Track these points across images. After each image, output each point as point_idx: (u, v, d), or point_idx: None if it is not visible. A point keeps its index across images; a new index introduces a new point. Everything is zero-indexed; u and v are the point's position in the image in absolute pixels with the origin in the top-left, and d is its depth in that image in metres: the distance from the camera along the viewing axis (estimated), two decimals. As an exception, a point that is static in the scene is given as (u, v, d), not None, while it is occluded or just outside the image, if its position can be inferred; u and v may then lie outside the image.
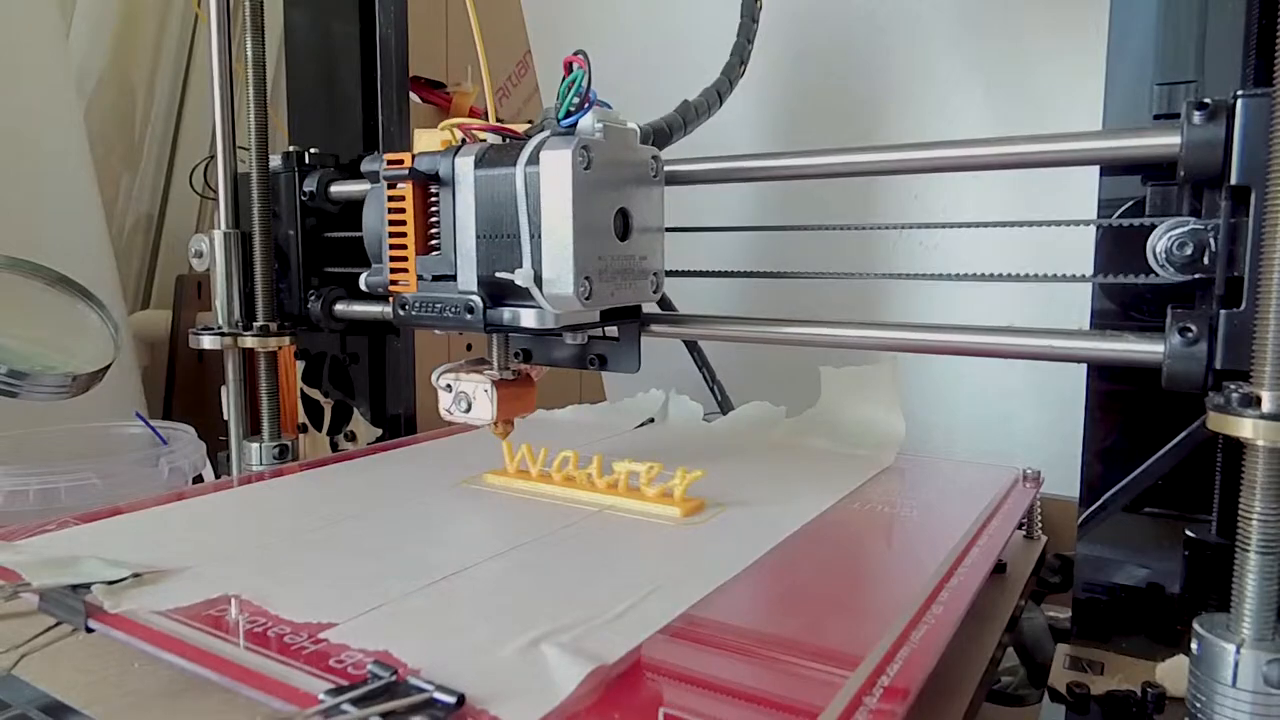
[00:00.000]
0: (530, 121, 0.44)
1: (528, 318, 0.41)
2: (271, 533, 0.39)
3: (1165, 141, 0.35)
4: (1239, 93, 0.32)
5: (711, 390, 0.74)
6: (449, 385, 0.47)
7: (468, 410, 0.47)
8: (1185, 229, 0.34)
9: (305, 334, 0.65)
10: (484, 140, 0.43)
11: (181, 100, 1.25)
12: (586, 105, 0.40)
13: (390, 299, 0.44)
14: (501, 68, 0.92)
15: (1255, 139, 0.32)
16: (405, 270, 0.43)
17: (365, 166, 0.46)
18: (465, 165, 0.41)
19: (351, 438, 0.71)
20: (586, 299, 0.40)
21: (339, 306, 0.63)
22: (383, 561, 0.36)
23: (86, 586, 0.31)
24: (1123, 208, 0.39)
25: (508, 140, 0.42)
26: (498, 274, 0.40)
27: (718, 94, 0.52)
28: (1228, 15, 0.36)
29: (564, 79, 0.40)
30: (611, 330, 0.48)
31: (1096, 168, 0.40)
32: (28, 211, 0.87)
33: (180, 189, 1.22)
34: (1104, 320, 0.40)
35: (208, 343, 0.60)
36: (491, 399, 0.46)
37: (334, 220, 0.64)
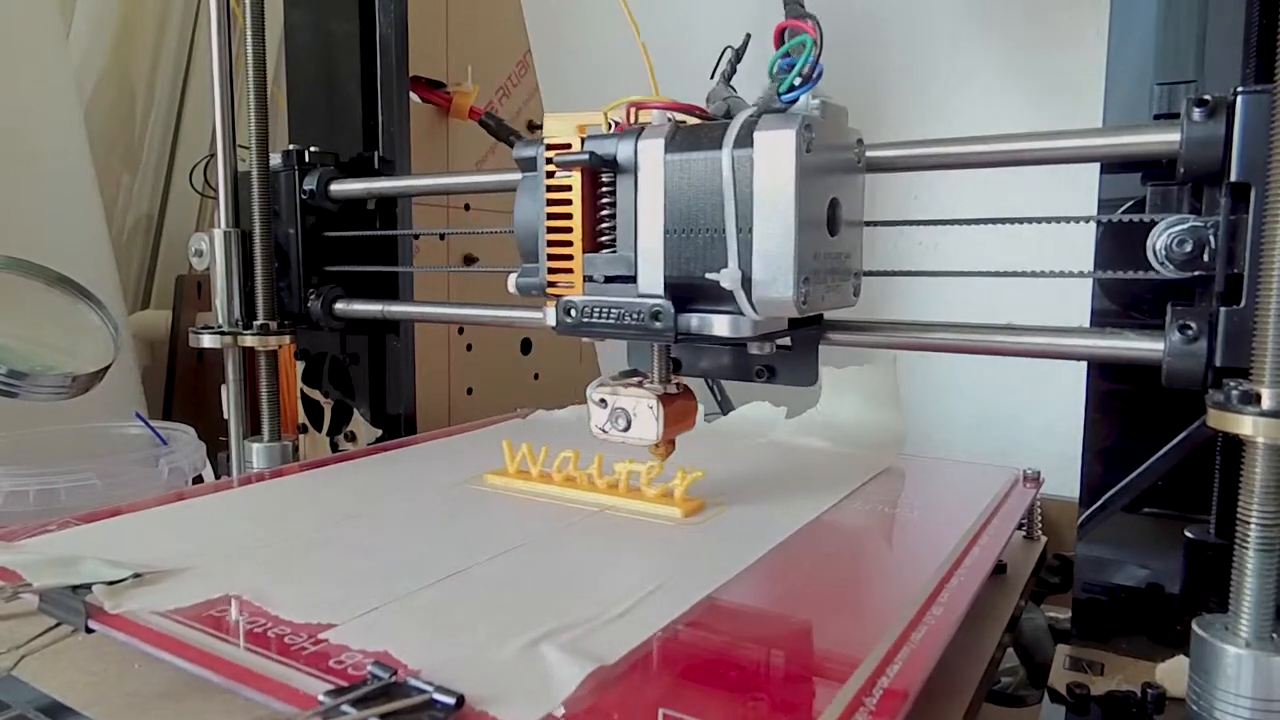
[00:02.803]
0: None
1: (720, 325, 0.36)
2: (271, 533, 0.39)
3: (1165, 138, 0.35)
4: (1239, 90, 0.32)
5: (711, 390, 0.74)
6: (604, 400, 0.42)
7: (626, 428, 0.41)
8: (1185, 226, 0.34)
9: (305, 333, 0.65)
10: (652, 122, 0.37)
11: (181, 100, 1.25)
12: (814, 79, 0.35)
13: (552, 304, 0.40)
14: (501, 67, 0.92)
15: (1255, 136, 0.32)
16: (570, 271, 0.39)
17: (518, 152, 0.40)
18: (652, 149, 0.36)
19: (351, 438, 0.71)
20: (804, 304, 0.35)
21: (339, 305, 0.63)
22: (383, 562, 0.36)
23: (87, 587, 0.31)
24: (1123, 207, 0.39)
25: (696, 121, 0.37)
26: (706, 275, 0.35)
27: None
28: (1228, 15, 0.36)
29: (779, 47, 0.35)
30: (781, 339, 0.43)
31: (1097, 168, 0.40)
32: (28, 211, 0.87)
33: (180, 189, 1.22)
34: (1104, 320, 0.40)
35: (208, 341, 0.60)
36: (656, 416, 0.40)
37: (334, 219, 0.64)
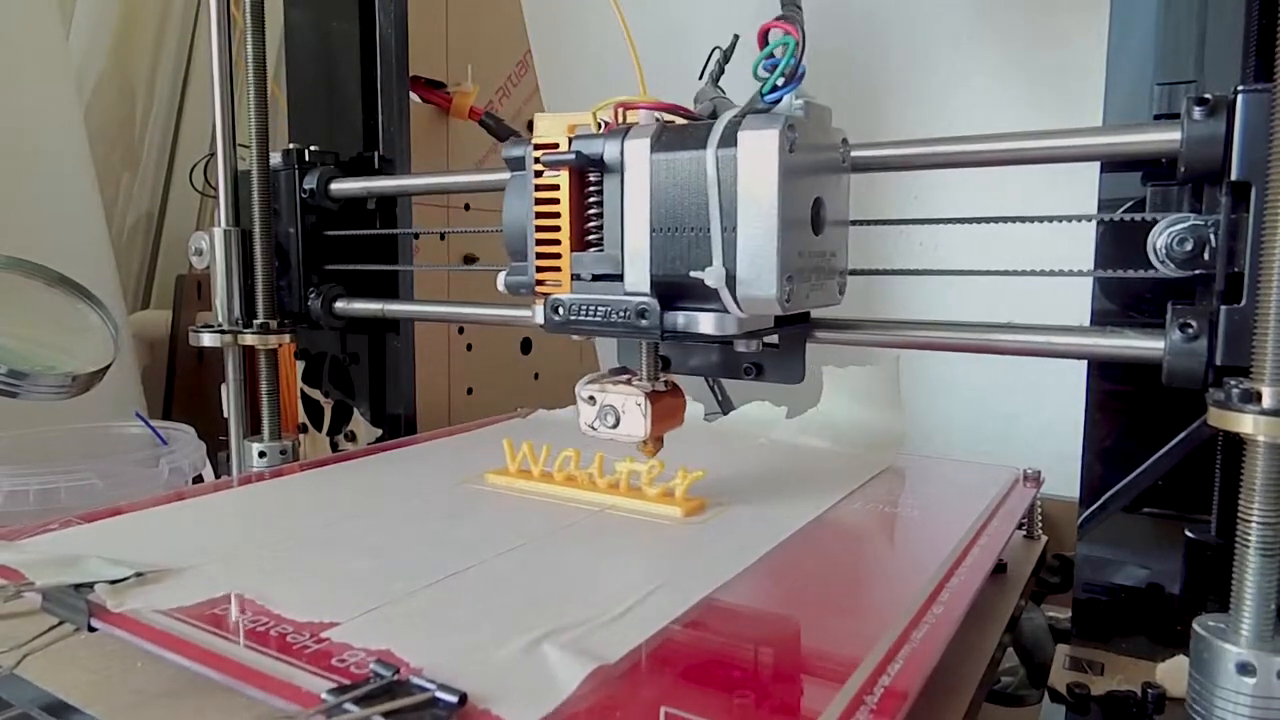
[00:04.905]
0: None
1: (705, 323, 0.37)
2: (272, 532, 0.39)
3: (1166, 137, 0.35)
4: (1239, 88, 0.32)
5: (712, 390, 0.74)
6: (593, 398, 0.42)
7: (615, 425, 0.42)
8: (1185, 225, 0.34)
9: (305, 333, 0.65)
10: (636, 123, 0.38)
11: (181, 100, 1.25)
12: (796, 79, 0.35)
13: (541, 302, 0.40)
14: (501, 68, 0.92)
15: (1256, 135, 0.32)
16: (558, 269, 0.39)
17: (507, 152, 0.41)
18: (638, 148, 0.36)
19: (351, 438, 0.71)
20: (787, 302, 0.35)
21: (339, 304, 0.63)
22: (384, 561, 0.36)
23: (89, 586, 0.31)
24: (1123, 207, 0.39)
25: (683, 121, 0.37)
26: (691, 273, 0.35)
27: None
28: (1228, 15, 0.36)
29: (763, 49, 0.35)
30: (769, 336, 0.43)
31: (1098, 168, 0.40)
32: (28, 211, 0.87)
33: (180, 188, 1.22)
34: (1104, 319, 0.40)
35: (208, 340, 0.60)
36: (645, 413, 0.41)
37: (334, 218, 0.64)
